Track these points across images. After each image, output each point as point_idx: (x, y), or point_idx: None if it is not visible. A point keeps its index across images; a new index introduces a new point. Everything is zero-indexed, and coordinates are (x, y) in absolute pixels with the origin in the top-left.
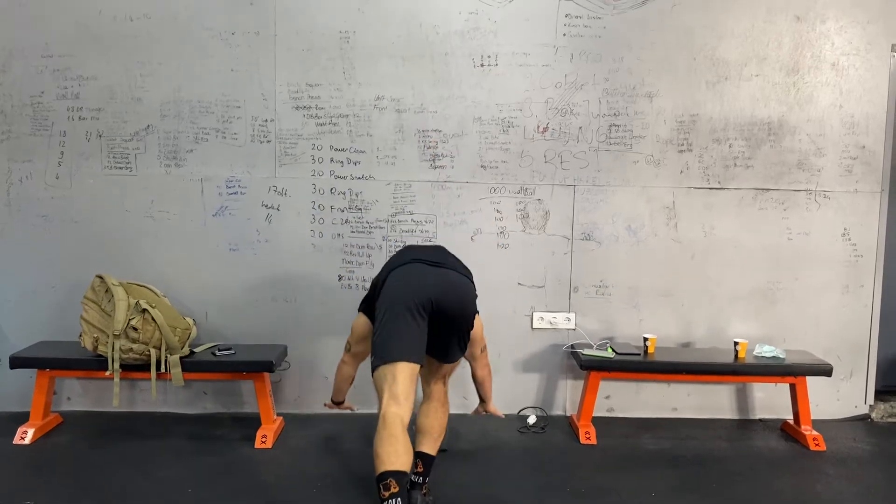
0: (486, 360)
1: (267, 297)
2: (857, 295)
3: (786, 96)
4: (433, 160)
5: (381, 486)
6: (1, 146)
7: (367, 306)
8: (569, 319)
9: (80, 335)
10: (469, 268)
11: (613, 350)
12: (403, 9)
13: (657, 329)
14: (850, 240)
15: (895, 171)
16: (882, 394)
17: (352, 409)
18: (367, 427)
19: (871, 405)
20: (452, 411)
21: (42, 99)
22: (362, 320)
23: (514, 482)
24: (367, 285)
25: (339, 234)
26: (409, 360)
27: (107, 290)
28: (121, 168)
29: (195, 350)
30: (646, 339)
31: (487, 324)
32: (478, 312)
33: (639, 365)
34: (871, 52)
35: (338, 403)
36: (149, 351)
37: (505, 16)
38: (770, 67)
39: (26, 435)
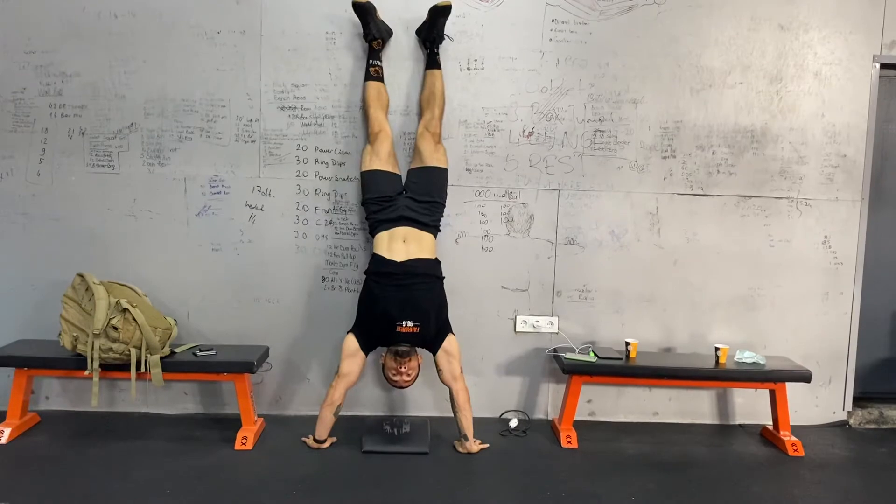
0: (464, 382)
1: (249, 297)
2: (836, 302)
3: (769, 104)
4: None
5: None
6: None
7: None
8: (552, 323)
9: (60, 334)
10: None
11: (595, 354)
12: (390, 11)
13: (639, 334)
14: (830, 247)
15: (875, 180)
16: (860, 400)
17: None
18: (349, 430)
19: (849, 411)
20: (433, 414)
21: (24, 95)
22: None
23: (494, 486)
24: (351, 287)
25: (323, 236)
26: None
27: (87, 289)
28: (103, 166)
29: (176, 350)
30: (628, 344)
31: (470, 326)
32: (453, 333)
33: (620, 369)
34: (853, 62)
35: (320, 442)
36: (129, 351)
37: (492, 20)
38: (754, 75)
39: (2, 434)
